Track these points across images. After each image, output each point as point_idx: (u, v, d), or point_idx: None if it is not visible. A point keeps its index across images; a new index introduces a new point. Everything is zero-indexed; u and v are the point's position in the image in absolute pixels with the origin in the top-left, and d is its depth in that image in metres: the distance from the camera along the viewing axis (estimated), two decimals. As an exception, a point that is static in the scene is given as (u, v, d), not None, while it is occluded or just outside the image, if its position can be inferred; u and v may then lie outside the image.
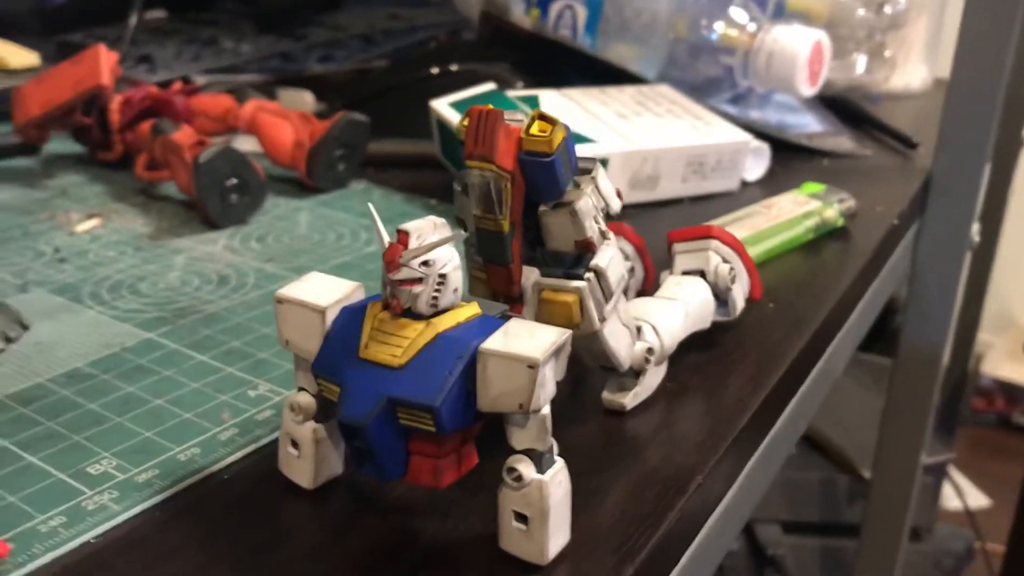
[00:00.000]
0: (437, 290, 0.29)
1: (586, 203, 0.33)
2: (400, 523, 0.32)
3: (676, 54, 0.77)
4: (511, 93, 0.63)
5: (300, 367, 0.32)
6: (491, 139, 0.32)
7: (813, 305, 0.49)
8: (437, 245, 0.28)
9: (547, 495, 0.29)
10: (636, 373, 0.39)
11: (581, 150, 0.60)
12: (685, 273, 0.43)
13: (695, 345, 0.43)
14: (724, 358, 0.43)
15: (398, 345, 0.29)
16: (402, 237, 0.28)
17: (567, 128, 0.33)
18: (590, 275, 0.34)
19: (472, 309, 0.30)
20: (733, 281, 0.43)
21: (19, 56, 0.73)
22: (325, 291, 0.31)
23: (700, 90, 0.75)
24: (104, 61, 0.60)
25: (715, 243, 0.43)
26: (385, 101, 0.74)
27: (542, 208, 0.34)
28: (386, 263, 0.28)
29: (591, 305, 0.34)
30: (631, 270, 0.44)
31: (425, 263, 0.28)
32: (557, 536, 0.30)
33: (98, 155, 0.64)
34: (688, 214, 0.61)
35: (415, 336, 0.29)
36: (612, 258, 0.35)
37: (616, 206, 0.35)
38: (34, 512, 0.32)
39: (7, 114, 0.63)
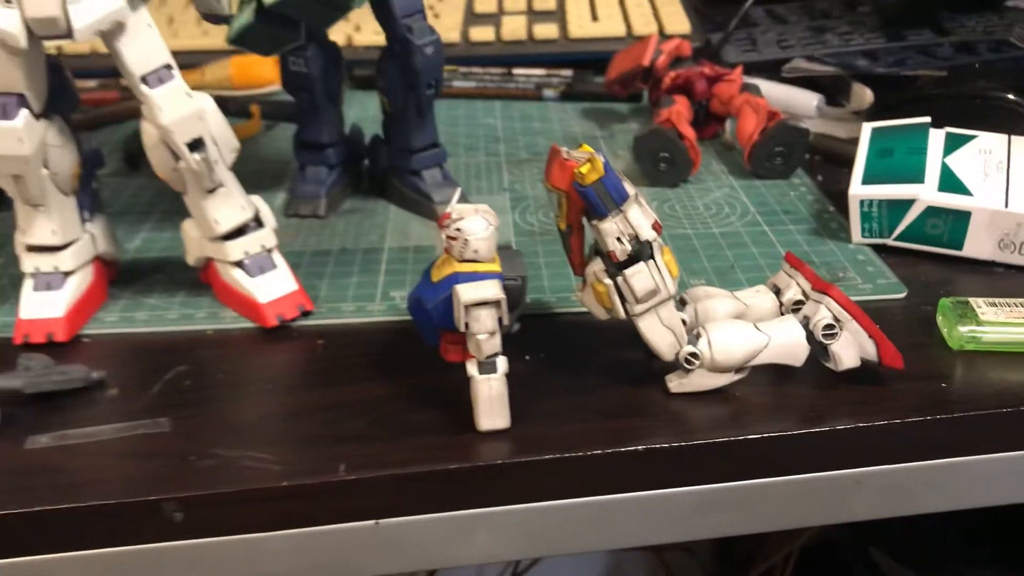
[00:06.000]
0: (463, 248, 0.47)
1: (609, 225, 0.47)
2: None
3: None
4: (942, 130, 0.67)
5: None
6: (548, 166, 0.48)
7: (973, 399, 0.49)
8: (456, 222, 0.47)
9: (476, 389, 0.47)
10: (688, 369, 0.50)
11: (945, 198, 0.61)
12: (795, 304, 0.50)
13: (817, 378, 0.51)
14: (811, 398, 0.50)
15: (440, 272, 0.49)
16: (449, 212, 0.48)
17: (608, 170, 0.46)
18: (619, 278, 0.48)
19: (492, 266, 0.48)
20: (829, 338, 0.49)
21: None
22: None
23: None
24: (652, 46, 0.81)
25: (828, 300, 0.49)
26: (918, 110, 0.80)
27: (592, 221, 0.48)
28: (438, 223, 0.48)
29: (616, 298, 0.48)
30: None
31: (458, 230, 0.47)
32: (492, 418, 0.47)
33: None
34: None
35: (447, 269, 0.48)
36: (638, 272, 0.47)
37: (646, 235, 0.47)
38: (353, 300, 0.60)
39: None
